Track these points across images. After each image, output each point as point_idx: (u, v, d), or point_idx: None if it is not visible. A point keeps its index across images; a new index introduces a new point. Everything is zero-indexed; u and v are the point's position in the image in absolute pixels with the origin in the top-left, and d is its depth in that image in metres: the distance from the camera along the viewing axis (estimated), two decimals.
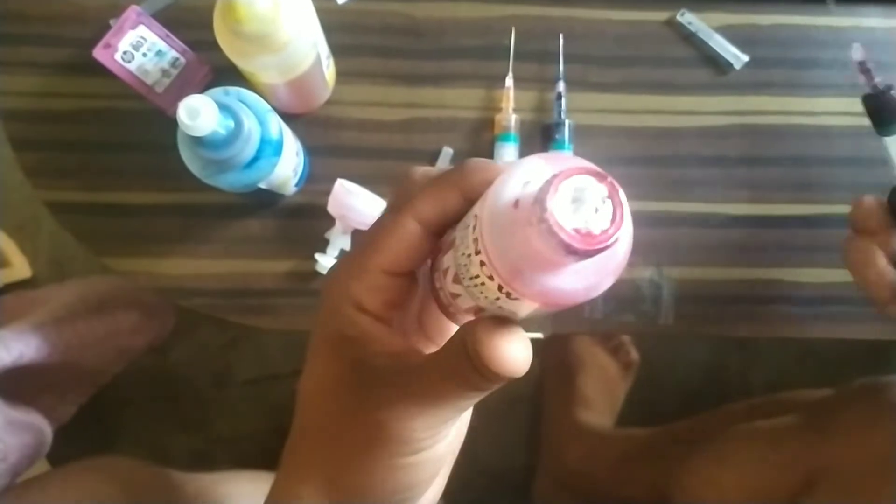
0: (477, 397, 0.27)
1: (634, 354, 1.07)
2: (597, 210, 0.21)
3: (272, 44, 0.43)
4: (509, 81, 0.56)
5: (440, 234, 0.28)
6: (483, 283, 0.24)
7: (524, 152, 0.56)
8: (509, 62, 0.57)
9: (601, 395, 1.04)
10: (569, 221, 0.21)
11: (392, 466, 0.28)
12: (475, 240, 0.24)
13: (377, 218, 0.30)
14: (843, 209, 0.57)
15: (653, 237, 0.58)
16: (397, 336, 0.29)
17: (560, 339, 1.08)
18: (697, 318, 0.58)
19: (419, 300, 0.33)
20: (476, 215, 0.24)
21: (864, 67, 0.49)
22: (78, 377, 0.89)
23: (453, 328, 0.33)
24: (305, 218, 0.57)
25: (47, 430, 0.75)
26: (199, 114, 0.37)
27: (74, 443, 0.89)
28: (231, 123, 0.41)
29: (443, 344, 0.32)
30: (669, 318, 0.57)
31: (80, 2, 0.56)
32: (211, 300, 0.56)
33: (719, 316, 0.58)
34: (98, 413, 1.02)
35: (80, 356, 0.80)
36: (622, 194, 0.21)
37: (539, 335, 0.57)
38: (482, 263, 0.24)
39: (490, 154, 0.56)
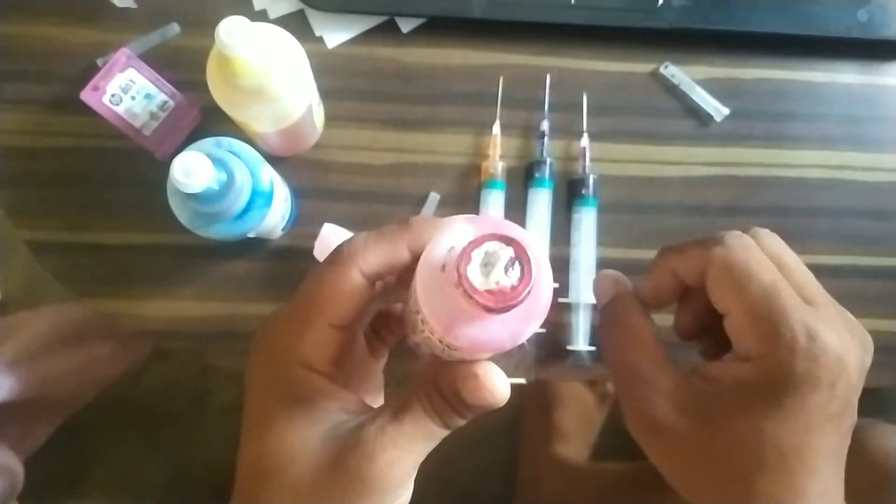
0: (444, 434, 0.29)
1: (610, 386, 1.08)
2: (506, 271, 0.24)
3: (266, 96, 0.43)
4: (496, 129, 0.57)
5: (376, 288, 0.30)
6: (429, 337, 0.27)
7: (510, 197, 0.57)
8: (496, 109, 0.57)
9: (578, 427, 1.05)
10: (481, 284, 0.24)
11: None
12: (415, 300, 0.27)
13: (316, 271, 0.29)
14: (823, 259, 0.59)
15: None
16: (348, 392, 0.29)
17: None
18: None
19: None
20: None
21: None
22: (50, 407, 0.87)
23: (373, 377, 0.36)
24: (292, 261, 0.56)
25: (19, 469, 0.74)
26: (193, 172, 0.37)
27: (45, 470, 0.88)
28: (223, 177, 0.41)
29: (364, 392, 0.34)
30: None
31: (67, 39, 0.56)
32: (195, 343, 0.56)
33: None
34: (70, 439, 1.00)
35: (53, 389, 0.79)
36: (534, 251, 0.25)
37: (522, 381, 0.57)
38: (422, 321, 0.27)
39: (477, 200, 0.57)
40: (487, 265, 0.24)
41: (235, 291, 0.56)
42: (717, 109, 0.59)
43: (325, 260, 0.29)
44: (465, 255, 0.24)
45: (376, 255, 0.28)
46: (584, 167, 0.57)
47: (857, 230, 0.60)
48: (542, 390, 1.07)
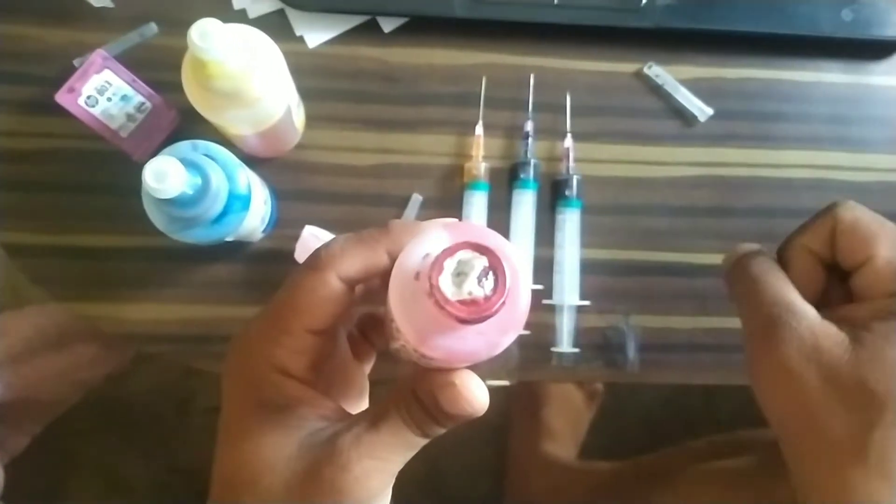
0: (423, 443, 0.28)
1: (599, 384, 1.08)
2: (480, 281, 0.24)
3: (243, 99, 0.43)
4: (479, 130, 0.56)
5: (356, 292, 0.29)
6: (404, 345, 0.27)
7: (494, 199, 0.56)
8: (480, 110, 0.57)
9: (567, 425, 1.05)
10: (453, 294, 0.23)
11: None
12: (389, 309, 0.26)
13: (291, 277, 0.29)
14: None
15: (621, 285, 0.58)
16: (326, 399, 0.29)
17: None
18: (664, 366, 0.58)
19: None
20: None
21: None
22: (34, 410, 0.86)
23: (355, 382, 0.35)
24: (273, 263, 0.56)
25: None
26: (166, 177, 0.37)
27: (29, 473, 0.87)
28: (198, 181, 0.41)
29: (346, 398, 0.33)
30: (636, 365, 0.57)
31: (44, 39, 0.55)
32: (176, 346, 0.55)
33: (686, 364, 0.59)
34: (54, 442, 0.99)
35: (37, 392, 0.78)
36: (511, 260, 0.24)
37: (506, 383, 0.57)
38: (397, 329, 0.26)
39: (460, 201, 0.56)
40: (460, 275, 0.24)
41: (217, 294, 0.55)
42: (702, 109, 0.58)
43: (302, 265, 0.29)
44: (438, 264, 0.24)
45: (354, 260, 0.28)
46: (567, 168, 0.56)
47: None
48: (530, 389, 1.07)
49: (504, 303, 0.24)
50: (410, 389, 0.27)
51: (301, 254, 0.54)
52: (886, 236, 0.37)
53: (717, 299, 0.58)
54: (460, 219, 0.56)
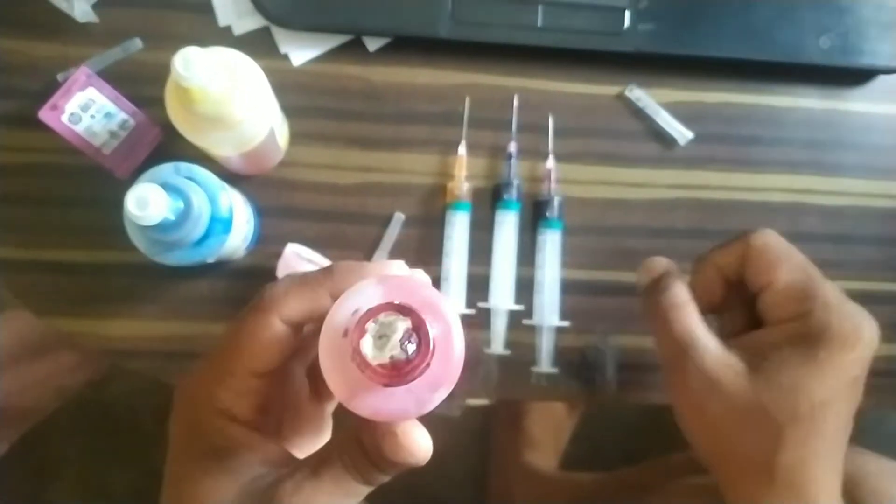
0: (366, 492, 0.28)
1: None
2: (403, 344, 0.23)
3: (226, 122, 0.43)
4: (462, 150, 0.57)
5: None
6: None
7: (476, 217, 0.57)
8: (463, 129, 0.57)
9: (548, 434, 1.05)
10: (375, 357, 0.23)
11: None
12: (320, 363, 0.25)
13: (236, 318, 0.29)
14: None
15: (600, 305, 0.59)
16: (270, 442, 0.28)
17: None
18: (642, 386, 0.59)
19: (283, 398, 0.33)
20: None
21: None
22: (13, 417, 0.86)
23: (312, 422, 0.35)
24: (255, 279, 0.56)
25: None
26: (148, 204, 0.37)
27: (7, 479, 0.86)
28: (180, 205, 0.41)
29: (301, 438, 0.33)
30: (614, 385, 0.58)
31: (27, 53, 0.55)
32: (157, 362, 0.55)
33: (663, 384, 0.59)
34: (33, 447, 0.99)
35: (17, 399, 0.78)
36: (442, 317, 0.24)
37: (486, 402, 0.57)
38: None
39: (442, 221, 0.57)
40: (382, 337, 0.23)
41: (197, 311, 0.56)
42: (682, 133, 0.59)
43: (247, 307, 0.29)
44: (360, 326, 0.23)
45: (297, 303, 0.28)
46: (549, 189, 0.57)
47: (819, 254, 0.60)
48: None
49: (428, 365, 0.23)
50: (354, 436, 0.27)
51: (283, 271, 0.54)
52: (789, 262, 0.41)
53: None
54: (441, 240, 0.56)
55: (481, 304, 0.56)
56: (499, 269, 0.56)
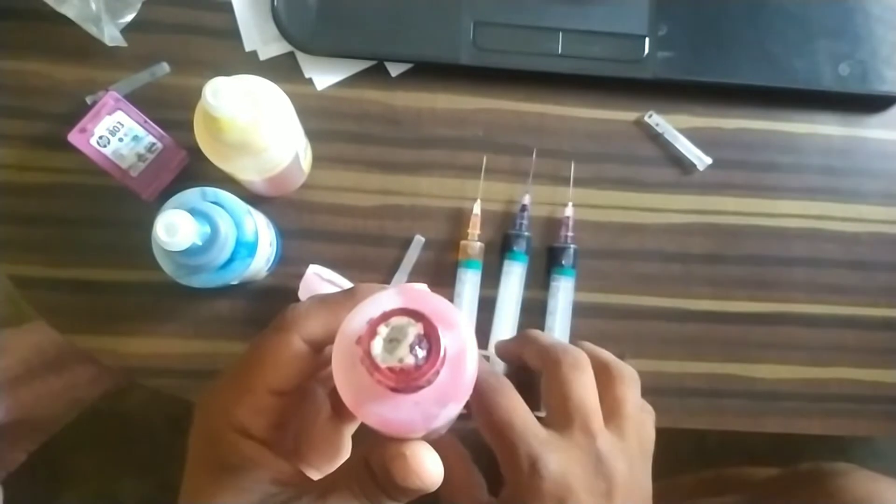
0: None
1: None
2: (413, 349, 0.23)
3: (251, 149, 0.44)
4: (477, 209, 0.57)
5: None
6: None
7: (485, 254, 0.57)
8: (480, 182, 0.58)
9: None
10: (384, 360, 0.22)
11: None
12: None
13: (258, 336, 0.29)
14: (799, 308, 0.60)
15: (614, 328, 0.59)
16: (283, 461, 0.28)
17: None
18: (655, 410, 0.59)
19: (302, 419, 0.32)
20: None
21: None
22: (31, 429, 0.87)
23: (332, 443, 0.34)
24: (276, 300, 0.57)
25: None
26: (177, 231, 0.38)
27: (23, 486, 0.87)
28: (207, 230, 0.42)
29: (319, 459, 0.32)
30: None
31: (56, 76, 0.56)
32: (177, 381, 0.56)
33: (677, 408, 0.60)
34: (48, 457, 0.99)
35: (35, 412, 0.79)
36: (457, 332, 0.23)
37: None
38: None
39: (457, 246, 0.57)
40: (392, 341, 0.23)
41: (218, 330, 0.56)
42: (700, 158, 0.59)
43: (269, 326, 0.29)
44: (371, 328, 0.23)
45: (318, 323, 0.28)
46: (566, 237, 0.57)
47: (835, 280, 0.61)
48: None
49: (437, 372, 0.23)
50: (363, 459, 0.26)
51: (304, 292, 0.55)
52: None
53: (709, 344, 0.60)
54: (452, 295, 0.57)
55: (482, 352, 0.56)
56: (501, 320, 0.56)
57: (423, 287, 0.29)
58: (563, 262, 0.57)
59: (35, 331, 0.84)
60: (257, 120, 0.42)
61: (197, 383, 0.56)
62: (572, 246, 0.57)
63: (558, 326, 0.57)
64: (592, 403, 0.33)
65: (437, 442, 0.34)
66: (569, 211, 0.58)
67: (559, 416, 0.33)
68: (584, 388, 0.33)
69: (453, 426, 0.31)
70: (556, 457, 0.32)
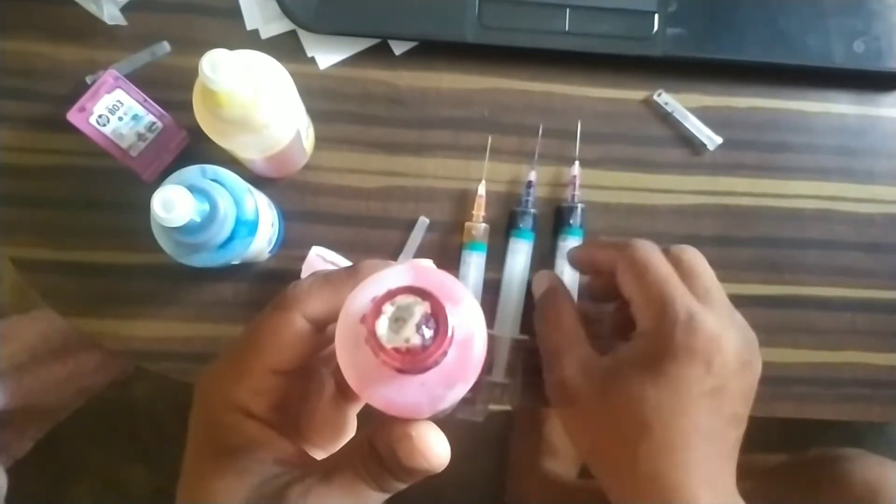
0: (381, 499, 0.27)
1: None
2: (419, 328, 0.22)
3: (252, 126, 0.43)
4: (482, 190, 0.56)
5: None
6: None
7: (491, 228, 0.56)
8: (485, 163, 0.57)
9: (568, 443, 1.05)
10: (390, 340, 0.22)
11: None
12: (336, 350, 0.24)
13: (258, 316, 0.28)
14: (811, 291, 0.59)
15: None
16: (286, 441, 0.28)
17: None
18: None
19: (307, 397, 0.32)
20: None
21: None
22: (37, 416, 0.87)
23: (335, 423, 0.34)
24: (279, 282, 0.56)
25: (3, 475, 0.73)
26: (174, 206, 0.37)
27: (31, 476, 0.87)
28: (206, 207, 0.41)
29: (322, 439, 0.32)
30: None
31: (56, 56, 0.55)
32: (179, 364, 0.55)
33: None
34: (56, 446, 0.99)
35: (41, 399, 0.78)
36: (466, 312, 0.23)
37: (507, 408, 0.57)
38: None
39: (462, 228, 0.56)
40: (398, 320, 0.22)
41: (221, 313, 0.56)
42: (710, 138, 0.58)
43: (269, 304, 0.28)
44: (376, 307, 0.22)
45: (320, 301, 0.27)
46: (573, 196, 0.56)
47: (848, 262, 0.60)
48: None
49: (445, 353, 0.22)
50: (367, 440, 0.26)
51: (307, 274, 0.54)
52: (646, 278, 0.41)
53: None
54: (456, 277, 0.56)
55: (488, 331, 0.55)
56: (507, 299, 0.55)
57: (429, 263, 0.28)
58: (571, 221, 0.55)
59: (40, 318, 0.84)
60: (257, 94, 0.41)
61: (200, 367, 0.55)
62: (580, 205, 0.56)
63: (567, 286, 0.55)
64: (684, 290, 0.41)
65: (549, 290, 0.48)
66: (575, 170, 0.56)
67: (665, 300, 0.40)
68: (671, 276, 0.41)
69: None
70: (712, 317, 0.38)
